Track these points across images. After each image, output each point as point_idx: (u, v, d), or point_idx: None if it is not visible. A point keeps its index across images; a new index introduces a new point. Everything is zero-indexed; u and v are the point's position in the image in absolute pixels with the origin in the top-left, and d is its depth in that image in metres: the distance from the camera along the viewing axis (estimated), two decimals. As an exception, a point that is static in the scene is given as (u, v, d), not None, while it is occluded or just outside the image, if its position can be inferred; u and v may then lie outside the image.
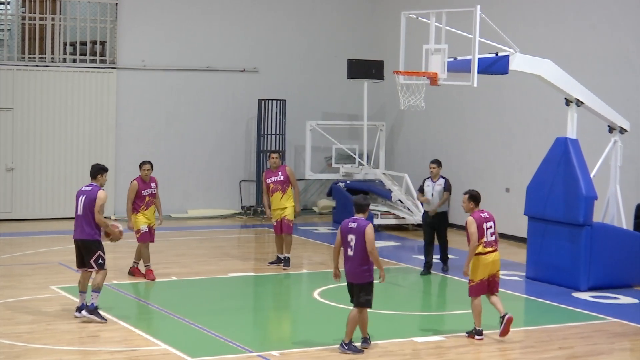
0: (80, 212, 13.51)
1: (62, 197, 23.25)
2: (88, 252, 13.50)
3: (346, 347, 12.07)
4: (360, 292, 12.06)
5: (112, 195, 23.64)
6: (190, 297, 15.37)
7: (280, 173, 17.42)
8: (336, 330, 13.35)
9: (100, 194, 13.46)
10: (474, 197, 13.10)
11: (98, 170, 13.75)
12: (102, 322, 13.29)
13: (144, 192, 16.39)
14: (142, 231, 16.36)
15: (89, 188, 13.58)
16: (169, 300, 15.04)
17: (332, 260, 12.35)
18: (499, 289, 13.07)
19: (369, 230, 11.94)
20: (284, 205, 17.41)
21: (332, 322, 13.84)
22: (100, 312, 13.40)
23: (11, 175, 22.87)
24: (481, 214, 12.97)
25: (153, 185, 16.53)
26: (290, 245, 17.75)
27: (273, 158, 17.58)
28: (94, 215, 13.40)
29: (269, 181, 17.45)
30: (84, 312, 13.40)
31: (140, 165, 16.52)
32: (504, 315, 12.83)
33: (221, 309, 14.62)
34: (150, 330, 13.10)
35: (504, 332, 12.83)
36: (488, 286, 12.94)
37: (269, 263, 17.91)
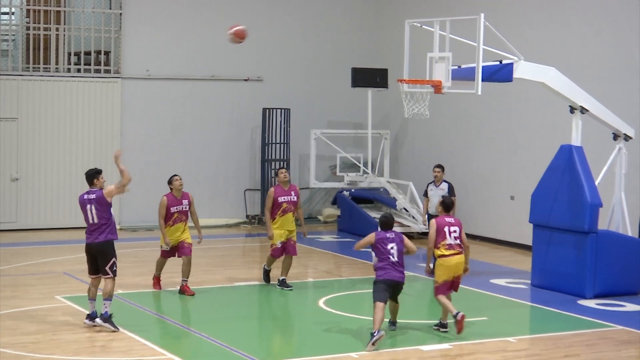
0: (93, 220, 13.49)
1: (67, 206, 23.25)
2: (104, 258, 13.48)
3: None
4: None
5: (117, 205, 23.66)
6: (196, 306, 15.36)
7: (293, 193, 16.43)
8: (341, 338, 13.35)
9: (105, 191, 13.43)
10: (443, 204, 14.02)
11: (93, 175, 13.68)
12: (114, 331, 13.30)
13: (172, 209, 15.80)
14: (162, 248, 16.06)
15: (93, 195, 13.53)
16: (174, 310, 15.04)
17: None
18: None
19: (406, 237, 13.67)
20: (292, 227, 16.61)
21: (337, 331, 13.84)
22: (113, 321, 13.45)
23: (16, 185, 22.90)
24: (445, 219, 13.79)
25: (185, 202, 15.89)
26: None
27: (284, 174, 16.51)
28: (116, 190, 13.41)
29: (282, 200, 16.31)
30: (97, 320, 13.40)
31: (170, 181, 15.98)
32: (456, 314, 13.49)
33: (227, 318, 14.61)
34: (156, 340, 13.10)
35: (460, 330, 13.52)
36: (451, 286, 13.85)
37: (280, 286, 16.67)
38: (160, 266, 16.33)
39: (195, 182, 24.49)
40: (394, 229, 13.74)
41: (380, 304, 13.09)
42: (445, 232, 13.65)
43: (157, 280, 16.41)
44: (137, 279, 17.40)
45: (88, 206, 13.50)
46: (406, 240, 13.59)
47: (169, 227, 15.87)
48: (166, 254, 16.08)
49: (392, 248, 13.39)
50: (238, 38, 15.63)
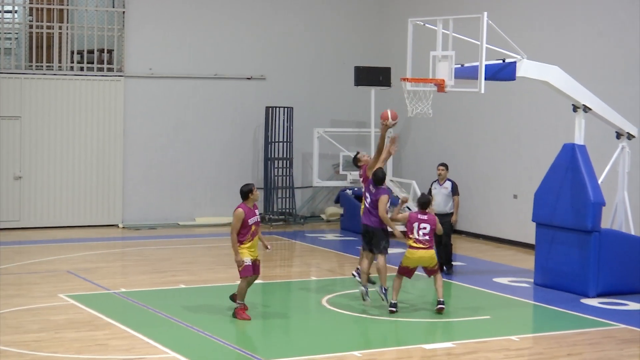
0: None
1: (69, 205, 23.26)
2: None
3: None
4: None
5: (120, 204, 23.68)
6: (199, 304, 15.36)
7: None
8: (344, 336, 13.34)
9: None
10: (418, 202, 15.09)
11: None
12: None
13: (250, 221, 14.13)
14: (245, 264, 14.11)
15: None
16: (177, 308, 15.03)
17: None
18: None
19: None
20: None
21: (340, 329, 13.83)
22: None
23: (19, 183, 22.90)
24: (418, 215, 14.82)
25: (257, 212, 14.37)
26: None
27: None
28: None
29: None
30: None
31: (251, 190, 14.25)
32: (440, 301, 14.82)
33: (229, 316, 14.59)
34: (159, 338, 13.09)
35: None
36: (425, 271, 15.01)
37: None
38: (244, 291, 14.35)
39: (198, 181, 24.52)
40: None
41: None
42: (413, 227, 14.70)
43: (243, 310, 14.41)
44: (140, 277, 17.42)
45: None
46: (381, 199, 14.82)
47: (248, 242, 14.16)
48: (248, 272, 14.18)
49: (367, 198, 14.98)
50: (388, 119, 15.66)
